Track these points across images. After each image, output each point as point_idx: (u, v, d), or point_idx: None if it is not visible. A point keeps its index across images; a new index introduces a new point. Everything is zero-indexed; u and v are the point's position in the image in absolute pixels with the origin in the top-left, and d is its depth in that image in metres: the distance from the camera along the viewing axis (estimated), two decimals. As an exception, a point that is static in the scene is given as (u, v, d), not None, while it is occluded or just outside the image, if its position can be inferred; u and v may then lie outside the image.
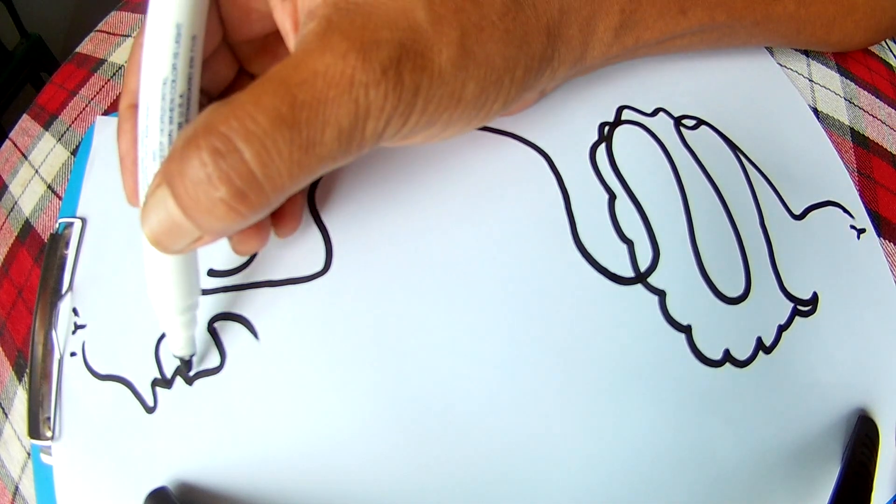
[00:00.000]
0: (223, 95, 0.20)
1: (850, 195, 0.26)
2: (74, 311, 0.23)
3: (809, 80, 0.29)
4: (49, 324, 0.23)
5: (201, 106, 0.17)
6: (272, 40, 0.21)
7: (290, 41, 0.19)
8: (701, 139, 0.25)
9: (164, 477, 0.21)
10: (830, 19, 0.27)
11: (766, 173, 0.25)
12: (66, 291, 0.24)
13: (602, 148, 0.24)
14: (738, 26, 0.25)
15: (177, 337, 0.20)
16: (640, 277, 0.22)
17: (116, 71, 0.30)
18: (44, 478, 0.22)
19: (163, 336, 0.22)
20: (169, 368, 0.22)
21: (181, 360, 0.21)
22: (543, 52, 0.19)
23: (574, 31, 0.20)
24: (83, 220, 0.25)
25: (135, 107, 0.18)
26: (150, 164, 0.16)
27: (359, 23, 0.15)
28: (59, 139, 0.29)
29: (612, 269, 0.23)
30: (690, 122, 0.26)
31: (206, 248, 0.23)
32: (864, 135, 0.28)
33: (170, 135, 0.16)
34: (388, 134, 0.16)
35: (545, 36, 0.19)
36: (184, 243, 0.16)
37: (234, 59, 0.21)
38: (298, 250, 0.23)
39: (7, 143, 0.30)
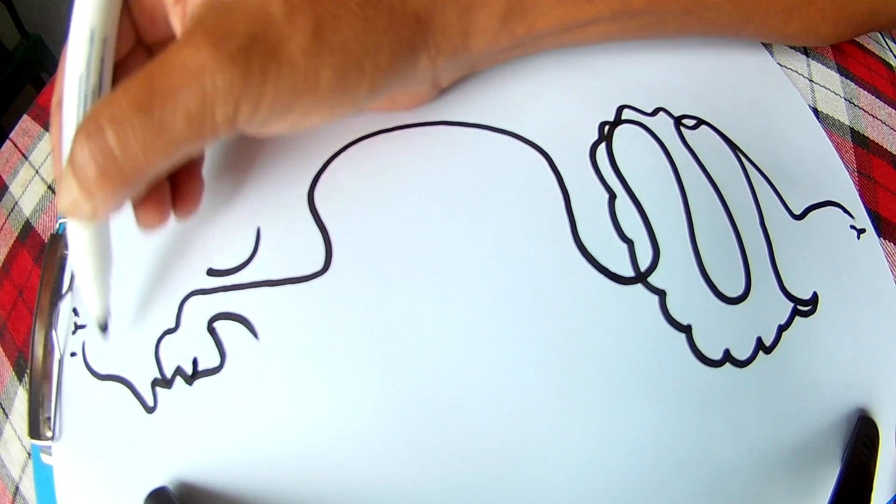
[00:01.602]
0: None
1: (850, 195, 0.26)
2: (74, 311, 0.23)
3: (809, 80, 0.29)
4: (49, 324, 0.23)
5: None
6: None
7: None
8: (701, 139, 0.25)
9: (164, 477, 0.21)
10: (788, 7, 0.25)
11: (766, 173, 0.25)
12: (66, 291, 0.24)
13: (602, 147, 0.24)
14: (663, 14, 0.23)
15: (93, 302, 0.21)
16: (640, 277, 0.22)
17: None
18: (44, 478, 0.22)
19: (163, 336, 0.22)
20: (169, 368, 0.22)
21: (98, 324, 0.22)
22: (412, 39, 0.20)
23: (451, 19, 0.20)
24: (83, 220, 0.25)
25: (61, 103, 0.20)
26: (67, 149, 0.19)
27: (221, 18, 0.17)
28: (59, 139, 0.29)
29: (612, 269, 0.23)
30: (690, 122, 0.26)
31: (206, 247, 0.23)
32: (864, 135, 0.28)
33: None
34: (241, 119, 0.17)
35: (413, 22, 0.19)
36: (85, 215, 0.18)
37: (151, 58, 0.22)
38: (298, 249, 0.23)
39: (7, 143, 0.30)
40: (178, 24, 0.20)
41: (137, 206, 0.20)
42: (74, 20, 0.19)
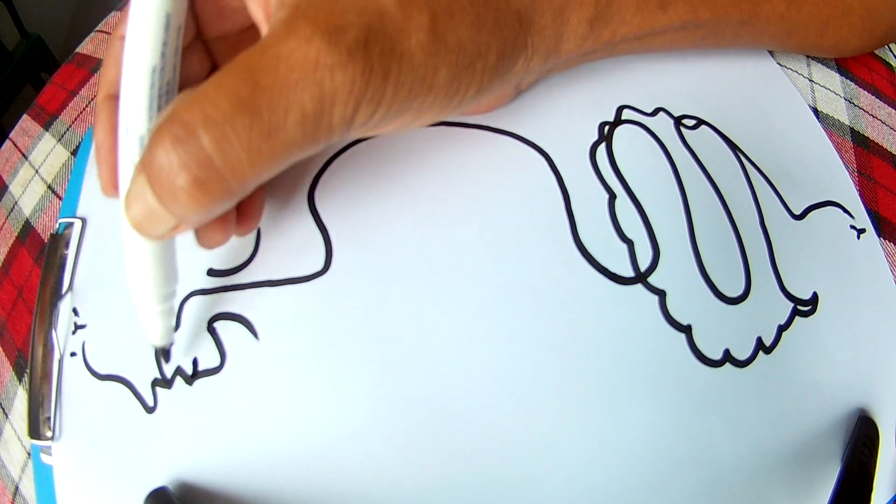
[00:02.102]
0: None
1: (850, 195, 0.26)
2: (74, 311, 0.23)
3: (809, 80, 0.29)
4: (49, 324, 0.23)
5: None
6: (246, 37, 0.21)
7: (263, 30, 0.18)
8: (701, 139, 0.25)
9: (164, 477, 0.21)
10: (824, 22, 0.26)
11: (766, 173, 0.25)
12: (66, 291, 0.24)
13: (602, 147, 0.24)
14: (723, 24, 0.24)
15: (155, 326, 0.20)
16: (640, 277, 0.22)
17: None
18: (44, 478, 0.22)
19: (163, 336, 0.22)
20: (169, 368, 0.22)
21: (159, 350, 0.21)
22: (516, 38, 0.19)
23: (547, 20, 0.20)
24: (83, 220, 0.25)
25: (113, 97, 0.18)
26: (135, 151, 0.16)
27: (326, 8, 0.15)
28: (60, 139, 0.29)
29: (612, 269, 0.23)
30: (690, 122, 0.26)
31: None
32: (864, 135, 0.28)
33: None
34: (358, 121, 0.16)
35: (517, 23, 0.19)
36: (163, 230, 0.16)
37: (208, 57, 0.21)
38: (298, 250, 0.23)
39: (7, 143, 0.30)
40: (259, 14, 0.18)
41: (202, 227, 0.18)
42: (138, 3, 0.16)
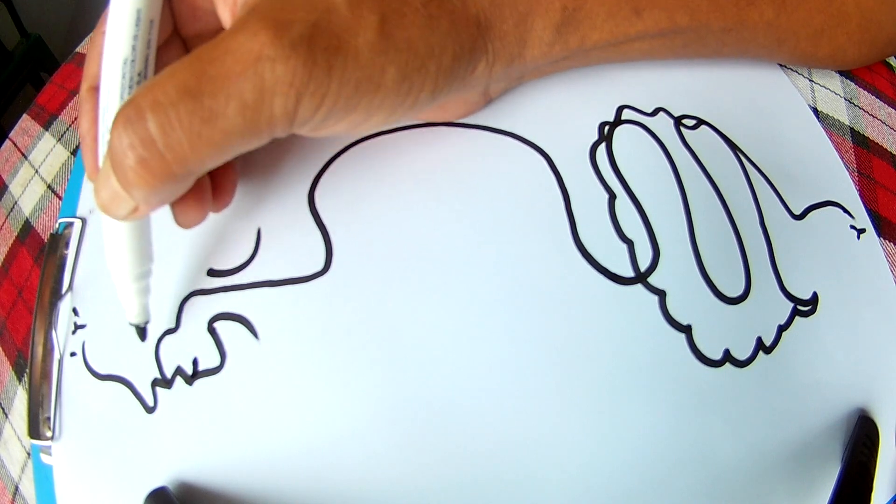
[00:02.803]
0: None
1: (850, 195, 0.26)
2: (74, 311, 0.23)
3: (809, 80, 0.29)
4: (49, 324, 0.23)
5: None
6: None
7: None
8: (701, 139, 0.25)
9: (164, 477, 0.21)
10: (817, 31, 0.25)
11: (766, 173, 0.25)
12: (66, 291, 0.24)
13: (602, 147, 0.24)
14: (704, 32, 0.23)
15: (132, 304, 0.21)
16: (640, 277, 0.22)
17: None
18: (44, 478, 0.22)
19: (163, 336, 0.22)
20: (169, 368, 0.22)
21: (136, 327, 0.22)
22: (474, 42, 0.19)
23: (508, 25, 0.20)
24: (83, 220, 0.25)
25: (95, 89, 0.19)
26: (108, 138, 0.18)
27: (277, 6, 0.16)
28: (59, 139, 0.29)
29: (612, 269, 0.23)
30: (690, 122, 0.26)
31: (206, 248, 0.23)
32: (864, 135, 0.28)
33: None
34: (301, 114, 0.16)
35: (474, 27, 0.19)
36: (124, 211, 0.17)
37: (186, 52, 0.21)
38: (298, 250, 0.23)
39: (7, 143, 0.30)
40: (226, 16, 0.19)
41: (176, 205, 0.19)
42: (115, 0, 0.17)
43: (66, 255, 0.24)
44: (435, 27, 0.18)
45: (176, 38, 0.21)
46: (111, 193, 0.16)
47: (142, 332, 0.22)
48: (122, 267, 0.20)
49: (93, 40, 0.20)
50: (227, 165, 0.21)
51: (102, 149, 0.18)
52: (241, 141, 0.16)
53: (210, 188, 0.20)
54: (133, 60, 0.17)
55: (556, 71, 0.24)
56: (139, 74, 0.18)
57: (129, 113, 0.15)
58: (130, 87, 0.17)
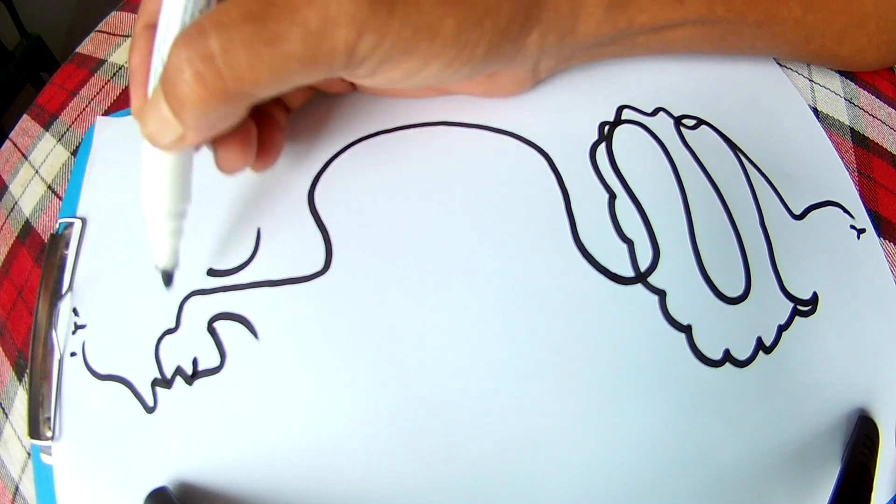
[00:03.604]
0: None
1: (850, 195, 0.26)
2: (74, 311, 0.23)
3: (809, 80, 0.29)
4: (49, 324, 0.23)
5: None
6: None
7: None
8: (701, 139, 0.25)
9: (164, 477, 0.21)
10: (841, 30, 0.26)
11: (766, 173, 0.25)
12: (66, 291, 0.24)
13: (602, 147, 0.24)
14: (740, 24, 0.24)
15: (162, 245, 0.20)
16: (640, 277, 0.22)
17: (116, 71, 0.30)
18: (44, 478, 0.22)
19: (163, 336, 0.22)
20: (169, 368, 0.22)
21: (163, 272, 0.21)
22: (529, 9, 0.20)
23: None
24: (83, 220, 0.25)
25: (150, 27, 0.19)
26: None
27: None
28: (60, 139, 0.29)
29: (612, 269, 0.23)
30: (690, 122, 0.26)
31: (206, 247, 0.23)
32: (864, 135, 0.28)
33: None
34: (361, 50, 0.17)
35: None
36: (171, 137, 0.17)
37: None
38: (298, 250, 0.23)
39: (7, 143, 0.30)
40: None
41: (220, 143, 0.19)
42: None
43: (66, 255, 0.24)
44: None
45: None
46: (159, 120, 0.16)
47: (168, 277, 0.21)
48: (159, 203, 0.19)
49: None
50: (275, 125, 0.21)
51: (154, 82, 0.18)
52: (299, 69, 0.16)
53: (256, 136, 0.20)
54: None
55: (603, 57, 0.25)
56: (200, 11, 0.17)
57: (190, 31, 0.15)
58: (193, 17, 0.17)
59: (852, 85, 0.30)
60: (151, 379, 0.22)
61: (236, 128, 0.19)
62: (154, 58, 0.18)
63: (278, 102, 0.22)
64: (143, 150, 0.18)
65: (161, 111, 0.16)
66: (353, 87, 0.24)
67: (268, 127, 0.21)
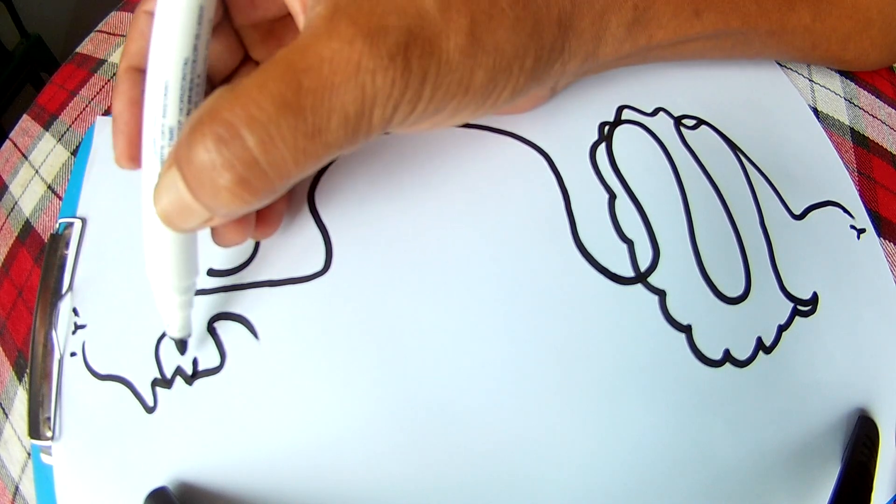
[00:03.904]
0: (226, 82, 0.20)
1: (850, 195, 0.26)
2: (74, 311, 0.23)
3: (809, 80, 0.29)
4: (49, 324, 0.23)
5: (205, 93, 0.17)
6: (278, 27, 0.21)
7: (300, 20, 0.18)
8: (701, 139, 0.25)
9: (164, 477, 0.21)
10: (846, 35, 0.27)
11: (766, 173, 0.25)
12: (66, 291, 0.24)
13: (602, 147, 0.24)
14: (752, 34, 0.25)
15: (174, 318, 0.20)
16: (640, 277, 0.22)
17: (116, 71, 0.30)
18: (44, 478, 0.22)
19: (163, 336, 0.22)
20: (169, 368, 0.22)
21: (177, 341, 0.21)
22: (554, 42, 0.19)
23: (586, 23, 0.20)
24: (83, 220, 0.25)
25: (135, 70, 0.18)
26: (163, 141, 0.17)
27: (366, 8, 0.15)
28: (60, 139, 0.29)
29: (612, 269, 0.23)
30: (690, 122, 0.26)
31: (207, 247, 0.23)
32: (864, 135, 0.28)
33: (188, 113, 0.17)
34: (396, 121, 0.16)
35: (556, 26, 0.19)
36: (194, 223, 0.16)
37: (240, 45, 0.21)
38: (298, 250, 0.23)
39: (7, 143, 0.30)
40: (296, 6, 0.18)
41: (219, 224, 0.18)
42: None
43: (66, 255, 0.24)
44: (520, 29, 0.18)
45: (227, 27, 0.20)
46: (179, 205, 0.15)
47: (182, 346, 0.21)
48: (167, 279, 0.19)
49: (135, 19, 0.19)
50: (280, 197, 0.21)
51: (149, 150, 0.17)
52: (339, 151, 0.16)
53: (254, 214, 0.20)
54: (195, 61, 0.16)
55: (617, 67, 0.25)
56: (199, 76, 0.17)
57: (218, 130, 0.14)
58: (191, 89, 0.16)
59: (852, 85, 0.30)
60: (151, 379, 0.22)
61: None
62: (147, 121, 0.17)
63: None
64: (146, 224, 0.18)
65: (181, 195, 0.15)
66: None
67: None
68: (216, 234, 0.20)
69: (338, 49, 0.14)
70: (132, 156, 0.19)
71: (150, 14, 0.16)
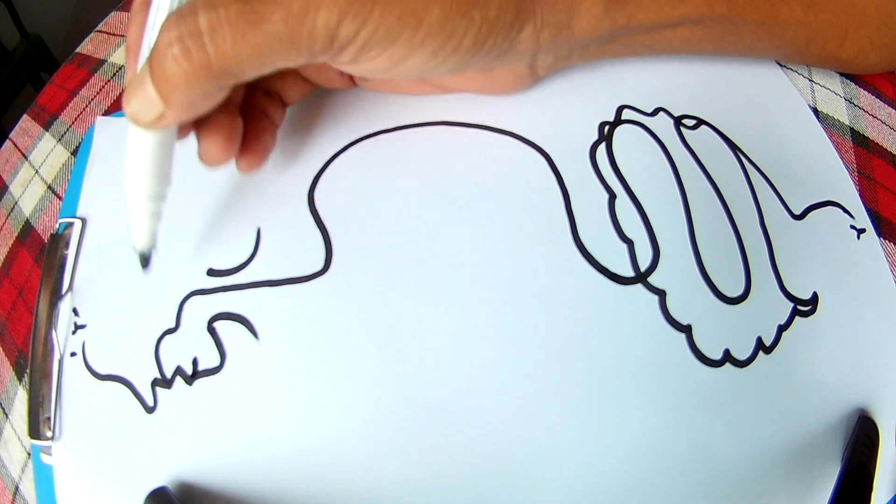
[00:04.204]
0: None
1: (850, 195, 0.26)
2: (74, 311, 0.23)
3: (809, 80, 0.29)
4: (49, 324, 0.23)
5: None
6: None
7: None
8: (701, 139, 0.25)
9: (164, 477, 0.21)
10: (842, 31, 0.26)
11: (766, 173, 0.25)
12: (66, 291, 0.24)
13: (602, 147, 0.24)
14: (740, 23, 0.24)
15: (142, 226, 0.21)
16: (640, 277, 0.22)
17: (116, 71, 0.30)
18: (44, 478, 0.22)
19: (163, 336, 0.22)
20: (169, 368, 0.22)
21: (140, 256, 0.21)
22: (521, 2, 0.20)
23: None
24: (83, 220, 0.25)
25: (147, 3, 0.19)
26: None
27: None
28: (60, 139, 0.29)
29: (612, 269, 0.23)
30: (690, 122, 0.26)
31: (206, 247, 0.23)
32: (864, 135, 0.28)
33: None
34: (342, 34, 0.17)
35: None
36: (152, 115, 0.17)
37: None
38: (298, 250, 0.23)
39: (7, 143, 0.30)
40: None
41: (203, 134, 0.20)
42: None
43: (66, 255, 0.24)
44: None
45: None
46: (142, 98, 0.17)
47: (145, 260, 0.21)
48: (139, 184, 0.20)
49: None
50: (266, 125, 0.22)
51: (142, 61, 0.18)
52: (280, 49, 0.17)
53: (241, 129, 0.20)
54: None
55: (603, 57, 0.25)
56: None
57: (182, 11, 0.16)
58: (180, 2, 0.18)
59: (852, 85, 0.30)
60: (151, 379, 0.22)
61: (221, 119, 0.19)
62: (144, 39, 0.18)
63: (274, 97, 0.22)
64: (128, 133, 0.19)
65: (145, 89, 0.17)
66: (352, 81, 0.24)
67: (258, 125, 0.21)
68: (201, 149, 0.20)
69: None
70: None
71: None
